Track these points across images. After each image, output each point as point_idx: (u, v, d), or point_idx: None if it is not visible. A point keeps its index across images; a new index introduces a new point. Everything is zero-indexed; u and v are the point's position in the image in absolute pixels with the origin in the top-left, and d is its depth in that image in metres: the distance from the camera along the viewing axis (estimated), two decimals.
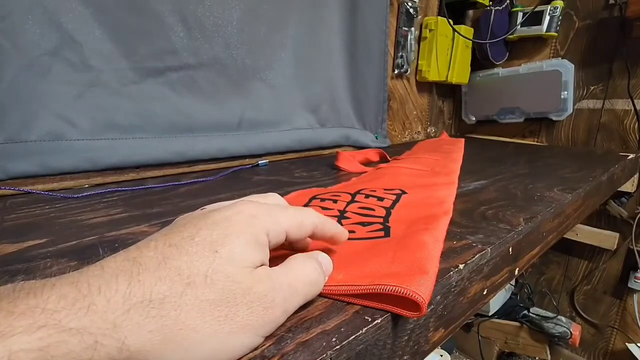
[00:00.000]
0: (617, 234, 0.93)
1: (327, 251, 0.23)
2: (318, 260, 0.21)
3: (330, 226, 0.23)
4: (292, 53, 0.71)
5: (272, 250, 0.20)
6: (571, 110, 0.97)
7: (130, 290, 0.14)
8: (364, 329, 0.19)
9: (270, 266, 0.19)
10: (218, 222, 0.18)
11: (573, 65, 0.93)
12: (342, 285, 0.21)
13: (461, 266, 0.25)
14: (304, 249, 0.24)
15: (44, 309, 0.12)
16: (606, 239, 0.95)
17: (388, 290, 0.19)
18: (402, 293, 0.19)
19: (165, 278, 0.15)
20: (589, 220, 0.98)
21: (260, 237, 0.18)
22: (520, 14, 0.99)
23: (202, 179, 0.54)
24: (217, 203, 0.22)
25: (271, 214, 0.20)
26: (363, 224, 0.32)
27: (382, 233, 0.29)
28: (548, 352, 1.06)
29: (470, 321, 1.16)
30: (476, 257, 0.27)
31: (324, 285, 0.21)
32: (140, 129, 0.55)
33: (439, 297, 0.24)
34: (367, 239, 0.29)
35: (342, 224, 0.32)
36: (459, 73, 1.04)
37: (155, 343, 0.14)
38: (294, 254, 0.21)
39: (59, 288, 0.13)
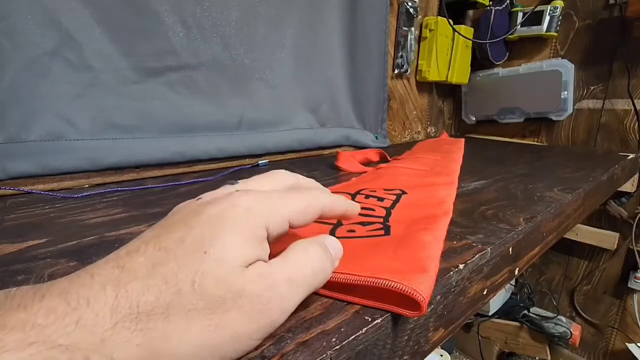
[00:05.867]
0: (617, 234, 0.93)
1: None
2: (324, 245, 0.19)
3: (341, 204, 0.22)
4: (291, 53, 0.71)
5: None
6: (571, 110, 0.97)
7: (118, 302, 0.14)
8: (364, 329, 0.19)
9: (273, 254, 0.18)
10: (211, 217, 0.17)
11: (573, 65, 0.93)
12: (342, 273, 0.21)
13: (461, 266, 0.25)
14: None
15: (34, 324, 0.12)
16: (606, 239, 0.95)
17: (389, 285, 0.19)
18: (403, 290, 0.19)
19: (152, 287, 0.14)
20: (589, 220, 0.98)
21: (257, 231, 0.17)
22: (520, 14, 0.99)
23: (202, 179, 0.54)
24: (215, 191, 0.21)
25: (270, 204, 0.18)
26: (363, 223, 0.32)
27: (382, 232, 0.29)
28: (548, 352, 1.06)
29: (470, 321, 1.16)
30: (476, 257, 0.27)
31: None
32: (140, 129, 0.55)
33: (439, 297, 0.24)
34: (367, 237, 0.29)
35: (342, 224, 0.32)
36: (459, 73, 1.04)
37: (143, 357, 0.14)
38: (297, 238, 0.19)
39: (49, 299, 0.13)
